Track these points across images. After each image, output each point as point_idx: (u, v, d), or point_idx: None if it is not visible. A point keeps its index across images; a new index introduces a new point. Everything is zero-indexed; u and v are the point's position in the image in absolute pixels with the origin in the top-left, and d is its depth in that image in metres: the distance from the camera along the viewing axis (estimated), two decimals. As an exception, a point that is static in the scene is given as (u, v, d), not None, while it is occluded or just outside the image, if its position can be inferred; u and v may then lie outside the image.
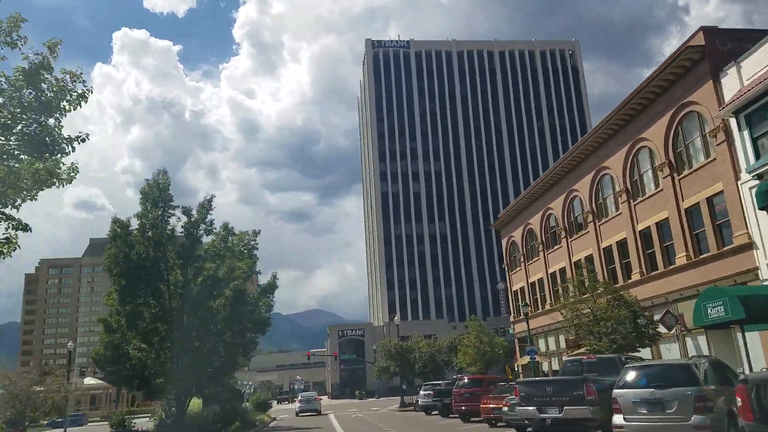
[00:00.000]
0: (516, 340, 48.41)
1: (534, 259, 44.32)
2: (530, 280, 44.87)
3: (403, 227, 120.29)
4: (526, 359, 38.58)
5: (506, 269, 50.96)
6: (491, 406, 24.37)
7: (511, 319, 50.46)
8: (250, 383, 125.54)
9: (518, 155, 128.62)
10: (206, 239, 31.57)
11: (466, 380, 31.32)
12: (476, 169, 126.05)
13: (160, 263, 28.95)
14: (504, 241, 51.13)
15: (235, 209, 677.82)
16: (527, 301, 42.78)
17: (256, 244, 33.80)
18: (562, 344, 36.61)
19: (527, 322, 37.69)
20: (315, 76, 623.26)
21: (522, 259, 46.31)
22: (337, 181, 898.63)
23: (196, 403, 34.99)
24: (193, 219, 29.81)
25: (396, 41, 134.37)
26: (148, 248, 28.64)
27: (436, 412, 35.74)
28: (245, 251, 33.14)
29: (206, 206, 30.31)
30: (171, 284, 29.08)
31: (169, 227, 29.59)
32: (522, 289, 46.67)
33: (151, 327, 28.92)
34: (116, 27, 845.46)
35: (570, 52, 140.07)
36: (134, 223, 29.39)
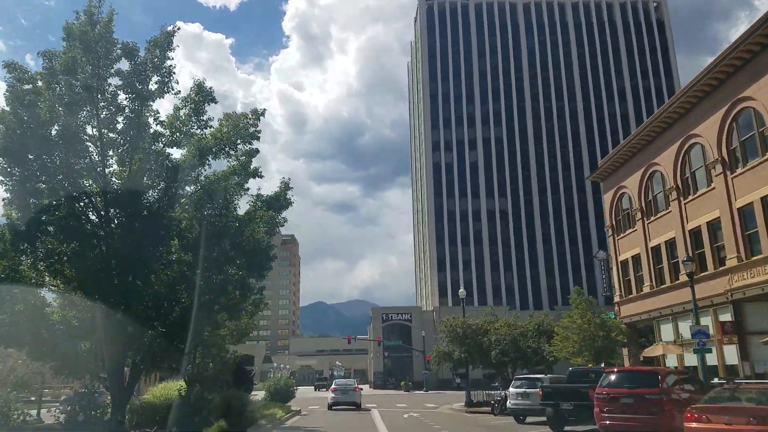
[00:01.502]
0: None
1: (661, 214, 30.27)
2: (651, 244, 30.79)
3: (458, 202, 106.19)
4: (658, 349, 25.31)
5: (611, 233, 36.90)
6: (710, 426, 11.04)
7: (617, 298, 36.49)
8: (287, 366, 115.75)
9: (594, 120, 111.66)
10: (166, 106, 18.49)
11: (624, 374, 17.70)
12: (544, 136, 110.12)
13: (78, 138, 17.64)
14: (608, 196, 37.13)
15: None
16: (646, 272, 28.90)
17: (258, 131, 21.14)
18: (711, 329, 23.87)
19: (633, 302, 23.89)
20: (362, 67, 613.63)
21: (640, 216, 32.26)
22: (382, 173, 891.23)
23: (167, 387, 23.26)
24: (137, 60, 18.30)
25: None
26: (62, 114, 17.38)
27: (535, 420, 22.95)
28: (237, 140, 20.44)
29: (162, 44, 18.64)
30: (99, 175, 18.17)
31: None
32: (636, 257, 32.77)
33: (62, 249, 17.77)
34: (171, 21, 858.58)
35: (655, 4, 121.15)
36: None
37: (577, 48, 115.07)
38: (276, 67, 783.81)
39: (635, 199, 33.16)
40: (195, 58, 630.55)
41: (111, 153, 18.71)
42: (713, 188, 25.93)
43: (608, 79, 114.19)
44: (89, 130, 18.30)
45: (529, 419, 24.12)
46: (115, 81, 18.39)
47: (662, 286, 29.68)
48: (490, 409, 30.24)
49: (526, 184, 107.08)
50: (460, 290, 43.53)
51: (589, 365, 28.33)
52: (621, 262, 35.17)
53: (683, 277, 26.19)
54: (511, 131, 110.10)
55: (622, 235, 35.42)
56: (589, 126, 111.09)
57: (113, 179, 18.80)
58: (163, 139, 19.08)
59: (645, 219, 31.96)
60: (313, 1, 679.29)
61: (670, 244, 29.36)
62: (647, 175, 31.96)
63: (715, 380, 20.54)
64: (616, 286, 35.82)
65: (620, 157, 34.95)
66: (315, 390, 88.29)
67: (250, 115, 20.72)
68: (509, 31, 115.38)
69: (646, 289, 31.43)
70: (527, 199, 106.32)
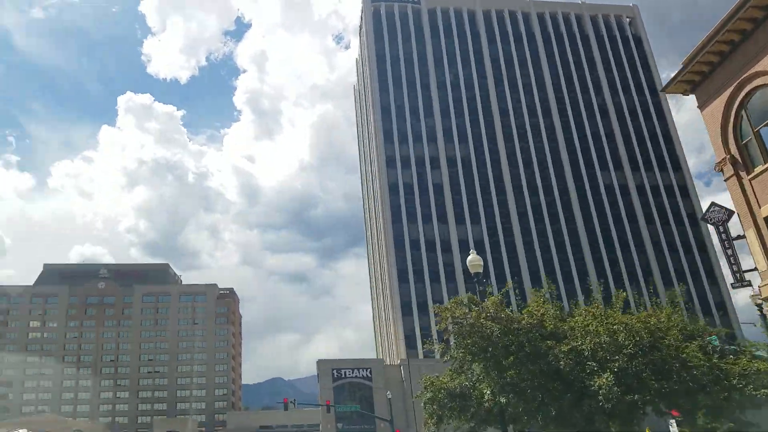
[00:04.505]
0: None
1: None
2: None
3: (421, 229, 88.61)
4: None
5: (728, 173, 19.72)
6: None
7: (731, 280, 19.29)
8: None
9: (576, 137, 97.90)
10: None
11: None
12: (519, 155, 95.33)
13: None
14: (712, 111, 20.29)
15: (237, 271, 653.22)
16: None
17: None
18: None
19: None
20: (313, 142, 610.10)
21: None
22: (336, 244, 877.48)
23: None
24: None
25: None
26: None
27: None
28: None
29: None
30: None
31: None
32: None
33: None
34: (121, 91, 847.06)
35: (629, 19, 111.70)
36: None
37: (547, 59, 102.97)
38: (228, 139, 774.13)
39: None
40: (145, 128, 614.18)
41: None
42: None
43: (586, 94, 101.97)
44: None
45: None
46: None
47: None
48: None
49: (503, 210, 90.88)
50: (471, 258, 25.21)
51: None
52: (766, 218, 17.84)
53: None
54: (479, 150, 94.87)
55: (755, 173, 18.39)
56: (570, 144, 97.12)
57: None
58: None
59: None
60: (263, 78, 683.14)
61: None
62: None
63: None
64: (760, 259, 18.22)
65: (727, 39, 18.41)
66: None
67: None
68: (469, 40, 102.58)
69: None
70: (506, 227, 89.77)
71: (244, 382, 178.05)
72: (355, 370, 75.42)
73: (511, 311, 24.85)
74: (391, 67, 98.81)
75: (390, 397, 66.62)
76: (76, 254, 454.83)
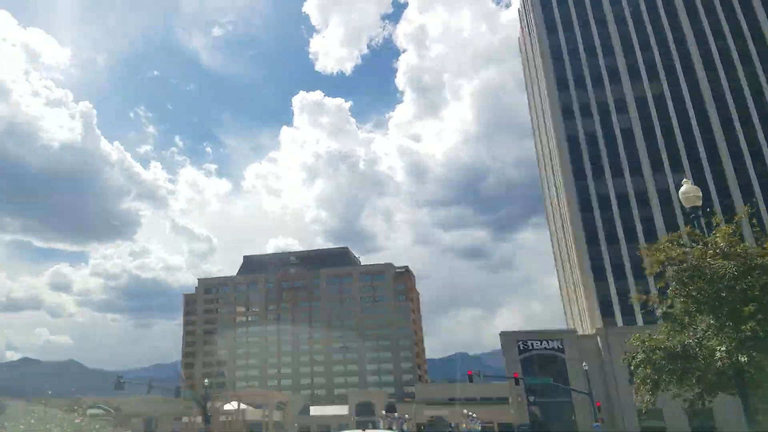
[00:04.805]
0: None
1: None
2: None
3: (610, 183, 78.07)
4: None
5: None
6: None
7: None
8: (404, 419, 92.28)
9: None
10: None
11: None
12: (726, 84, 79.43)
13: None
14: None
15: (412, 250, 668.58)
16: None
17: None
18: None
19: None
20: (478, 111, 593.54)
21: None
22: (511, 215, 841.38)
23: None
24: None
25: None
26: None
27: None
28: None
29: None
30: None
31: None
32: None
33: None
34: (295, 91, 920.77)
35: None
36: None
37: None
38: (393, 122, 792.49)
39: None
40: (318, 123, 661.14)
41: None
42: None
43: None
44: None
45: None
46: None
47: None
48: None
49: (710, 150, 76.48)
50: (685, 188, 19.39)
51: None
52: None
53: None
54: (675, 85, 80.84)
55: None
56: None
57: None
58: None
59: None
60: (423, 54, 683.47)
61: None
62: None
63: None
64: None
65: None
66: None
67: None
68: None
69: None
70: (716, 169, 75.46)
71: (428, 357, 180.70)
72: (544, 342, 69.16)
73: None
74: (558, 7, 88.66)
75: (587, 368, 59.52)
76: (272, 246, 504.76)
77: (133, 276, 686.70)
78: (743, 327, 16.51)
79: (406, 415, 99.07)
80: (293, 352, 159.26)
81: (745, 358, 16.27)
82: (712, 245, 17.90)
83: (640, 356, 20.24)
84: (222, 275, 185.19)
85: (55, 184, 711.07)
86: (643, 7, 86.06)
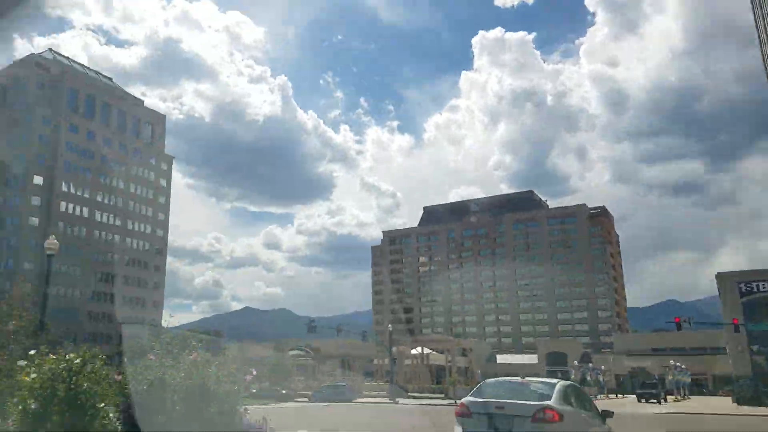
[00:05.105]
0: None
1: None
2: None
3: None
4: None
5: None
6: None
7: None
8: (599, 370, 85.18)
9: None
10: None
11: None
12: None
13: None
14: None
15: (610, 190, 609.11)
16: None
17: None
18: None
19: None
20: (687, 21, 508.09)
21: None
22: (734, 140, 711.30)
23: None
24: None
25: None
26: None
27: None
28: None
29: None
30: None
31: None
32: None
33: None
34: (474, 32, 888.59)
35: None
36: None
37: None
38: (585, 48, 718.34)
39: None
40: (499, 62, 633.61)
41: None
42: None
43: None
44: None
45: None
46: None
47: None
48: None
49: None
50: None
51: None
52: None
53: None
54: None
55: None
56: None
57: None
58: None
59: None
60: None
61: None
62: None
63: None
64: None
65: None
66: (638, 401, 60.80)
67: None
68: None
69: None
70: None
71: (632, 305, 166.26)
72: (771, 282, 57.36)
73: None
74: None
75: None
76: (454, 196, 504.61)
77: (331, 232, 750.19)
78: None
79: (603, 367, 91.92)
80: (477, 300, 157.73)
81: None
82: None
83: None
84: (406, 227, 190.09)
85: (262, 155, 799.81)
86: None
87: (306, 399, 47.53)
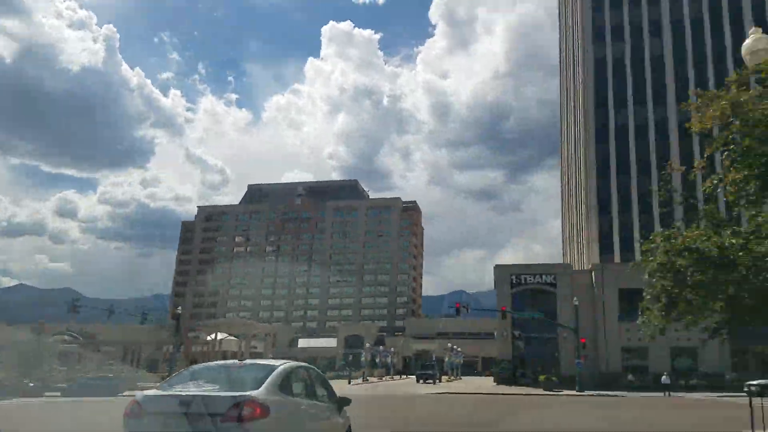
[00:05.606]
0: None
1: None
2: None
3: (631, 113, 71.15)
4: None
5: None
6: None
7: None
8: (388, 352, 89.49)
9: None
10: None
11: None
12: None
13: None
14: None
15: (426, 190, 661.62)
16: None
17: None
18: None
19: None
20: (510, 47, 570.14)
21: None
22: (528, 157, 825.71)
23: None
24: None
25: None
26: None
27: None
28: None
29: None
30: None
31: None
32: None
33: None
34: (325, 21, 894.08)
35: None
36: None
37: None
38: (422, 57, 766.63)
39: None
40: (346, 55, 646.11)
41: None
42: None
43: None
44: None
45: None
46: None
47: None
48: None
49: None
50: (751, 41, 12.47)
51: None
52: None
53: None
54: (715, 7, 72.17)
55: None
56: None
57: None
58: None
59: None
60: None
61: None
62: None
63: None
64: None
65: None
66: (417, 381, 65.67)
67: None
68: None
69: None
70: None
71: (428, 294, 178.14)
72: (537, 276, 64.41)
73: None
74: None
75: (577, 303, 54.83)
76: (287, 180, 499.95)
77: (142, 204, 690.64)
78: None
79: (392, 349, 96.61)
80: (290, 285, 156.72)
81: None
82: None
83: (660, 258, 14.15)
84: (225, 204, 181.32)
85: (71, 109, 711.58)
86: None
87: (59, 393, 40.48)
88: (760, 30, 12.65)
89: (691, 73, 70.30)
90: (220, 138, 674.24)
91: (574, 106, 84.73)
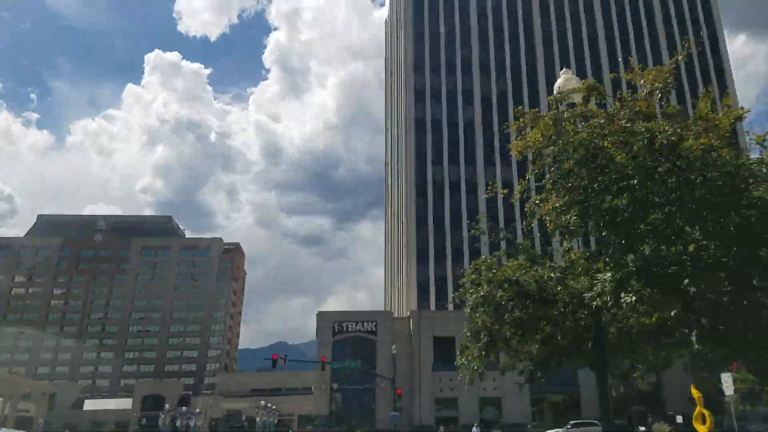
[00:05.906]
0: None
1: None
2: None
3: (446, 171, 75.98)
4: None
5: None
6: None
7: None
8: (192, 414, 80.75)
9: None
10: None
11: None
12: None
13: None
14: None
15: (251, 231, 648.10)
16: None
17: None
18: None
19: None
20: (340, 102, 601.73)
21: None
22: (355, 206, 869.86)
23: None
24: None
25: None
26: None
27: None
28: None
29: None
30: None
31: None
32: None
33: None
34: (150, 49, 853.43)
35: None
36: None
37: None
38: (255, 98, 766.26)
39: None
40: (170, 86, 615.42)
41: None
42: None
43: (638, 29, 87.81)
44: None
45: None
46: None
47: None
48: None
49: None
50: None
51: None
52: None
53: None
54: (517, 83, 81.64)
55: None
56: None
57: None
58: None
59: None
60: (294, 35, 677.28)
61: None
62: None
63: None
64: None
65: None
66: None
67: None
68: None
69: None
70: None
71: (247, 346, 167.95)
72: (359, 324, 63.68)
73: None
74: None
75: (395, 351, 54.70)
76: (89, 213, 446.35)
77: None
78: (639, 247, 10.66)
79: (197, 410, 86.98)
80: (79, 334, 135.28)
81: (632, 299, 9.96)
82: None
83: (483, 290, 12.86)
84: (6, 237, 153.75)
85: None
86: (504, 3, 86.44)
87: None
88: (570, 72, 13.39)
89: (496, 138, 77.73)
90: (12, 160, 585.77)
91: (398, 162, 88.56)
